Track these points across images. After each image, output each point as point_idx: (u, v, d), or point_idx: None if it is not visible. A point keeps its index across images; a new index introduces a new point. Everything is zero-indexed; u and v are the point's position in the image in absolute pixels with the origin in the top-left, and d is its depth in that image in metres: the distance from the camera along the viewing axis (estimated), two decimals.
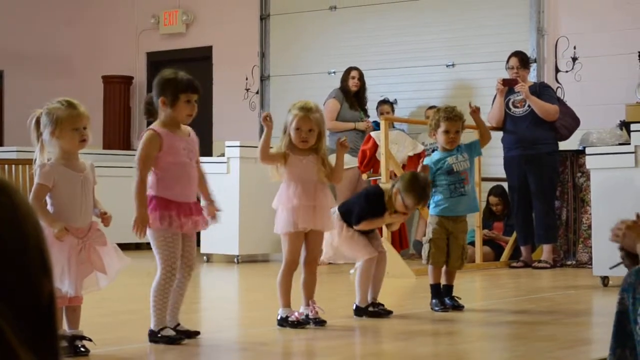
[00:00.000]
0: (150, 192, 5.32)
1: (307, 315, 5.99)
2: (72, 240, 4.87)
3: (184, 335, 5.39)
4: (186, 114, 5.38)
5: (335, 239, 6.41)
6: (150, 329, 5.35)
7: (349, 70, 11.63)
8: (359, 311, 6.44)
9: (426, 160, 7.03)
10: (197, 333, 5.48)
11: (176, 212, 5.29)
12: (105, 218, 5.09)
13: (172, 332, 5.31)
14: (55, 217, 4.87)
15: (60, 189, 4.92)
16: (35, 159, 4.99)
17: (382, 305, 6.47)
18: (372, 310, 6.42)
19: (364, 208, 6.41)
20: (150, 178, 5.34)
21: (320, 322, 5.98)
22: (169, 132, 5.35)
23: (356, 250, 6.44)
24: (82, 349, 4.92)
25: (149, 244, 5.48)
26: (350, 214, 6.43)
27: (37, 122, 4.98)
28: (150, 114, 5.48)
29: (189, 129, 5.52)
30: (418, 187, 6.36)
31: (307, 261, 6.04)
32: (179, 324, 5.46)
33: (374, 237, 6.56)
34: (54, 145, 4.95)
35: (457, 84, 11.84)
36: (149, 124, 5.65)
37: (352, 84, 11.48)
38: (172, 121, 5.38)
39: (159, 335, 5.30)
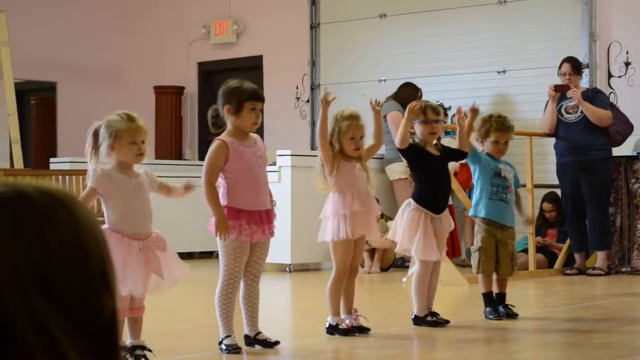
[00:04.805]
0: (222, 201, 5.35)
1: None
2: (129, 243, 4.90)
3: (264, 344, 5.46)
4: (251, 122, 5.42)
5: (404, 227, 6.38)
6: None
7: (417, 89, 11.50)
8: (418, 320, 6.39)
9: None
10: (277, 343, 5.52)
11: (246, 221, 5.32)
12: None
13: (233, 341, 5.34)
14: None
15: (115, 195, 4.95)
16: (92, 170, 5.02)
17: (438, 314, 6.43)
18: (431, 320, 6.37)
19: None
20: (222, 188, 5.38)
21: (364, 330, 5.97)
22: (236, 141, 5.38)
23: (422, 244, 6.36)
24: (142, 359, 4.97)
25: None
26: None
27: (95, 134, 5.01)
28: (217, 126, 5.51)
29: (255, 136, 5.55)
30: None
31: (351, 269, 6.04)
32: (259, 333, 5.51)
33: (442, 244, 6.49)
34: (110, 158, 4.99)
35: (508, 90, 11.78)
36: (208, 134, 5.71)
37: None
38: (239, 130, 5.42)
39: (221, 343, 5.35)
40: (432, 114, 6.42)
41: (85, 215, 1.30)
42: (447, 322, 6.38)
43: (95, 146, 4.98)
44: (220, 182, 5.39)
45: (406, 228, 6.32)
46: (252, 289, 5.52)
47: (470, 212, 6.88)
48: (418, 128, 6.38)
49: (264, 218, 5.42)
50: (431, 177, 6.40)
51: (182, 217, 11.23)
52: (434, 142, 6.51)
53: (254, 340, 5.49)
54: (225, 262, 5.36)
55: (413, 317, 6.40)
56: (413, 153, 6.41)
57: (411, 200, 6.43)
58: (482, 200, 6.78)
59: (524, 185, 9.92)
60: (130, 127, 4.97)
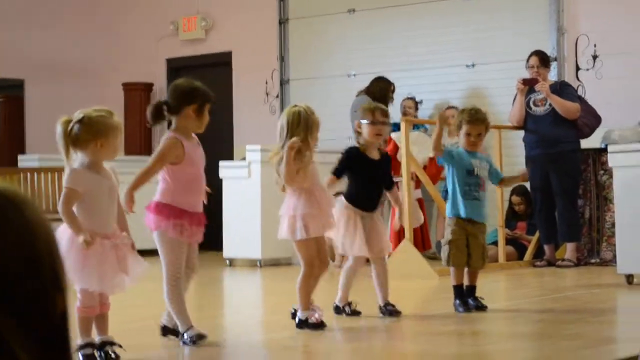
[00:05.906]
0: (164, 199, 5.35)
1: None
2: (102, 242, 4.87)
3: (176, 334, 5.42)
4: (205, 123, 5.48)
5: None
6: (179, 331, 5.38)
7: (390, 84, 11.49)
8: (338, 310, 6.55)
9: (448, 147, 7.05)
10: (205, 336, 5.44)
11: (188, 222, 5.34)
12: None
13: (196, 332, 5.33)
14: (81, 225, 4.84)
15: (89, 195, 4.91)
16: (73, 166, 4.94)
17: (393, 305, 6.50)
18: (349, 311, 6.51)
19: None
20: (167, 186, 5.36)
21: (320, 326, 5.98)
22: (187, 141, 5.38)
23: (349, 242, 6.41)
24: (112, 355, 4.94)
25: None
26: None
27: (70, 130, 4.91)
28: (159, 119, 5.45)
29: (196, 137, 5.54)
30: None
31: (322, 264, 6.09)
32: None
33: (377, 239, 6.53)
34: (85, 156, 4.92)
35: (477, 84, 11.80)
36: (166, 126, 5.69)
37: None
38: (187, 129, 5.41)
39: (185, 336, 5.32)
40: (380, 115, 6.52)
41: (34, 215, 1.27)
42: (399, 313, 6.45)
43: (70, 143, 4.90)
44: (165, 179, 5.37)
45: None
46: (187, 284, 5.53)
47: (448, 213, 6.88)
48: (365, 128, 6.48)
49: (201, 220, 5.46)
50: (368, 181, 6.53)
51: None
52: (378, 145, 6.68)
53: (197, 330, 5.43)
54: (167, 261, 5.35)
55: (334, 306, 6.53)
56: (351, 158, 6.48)
57: (342, 197, 6.52)
58: (458, 200, 6.78)
59: None
60: (118, 126, 4.96)
